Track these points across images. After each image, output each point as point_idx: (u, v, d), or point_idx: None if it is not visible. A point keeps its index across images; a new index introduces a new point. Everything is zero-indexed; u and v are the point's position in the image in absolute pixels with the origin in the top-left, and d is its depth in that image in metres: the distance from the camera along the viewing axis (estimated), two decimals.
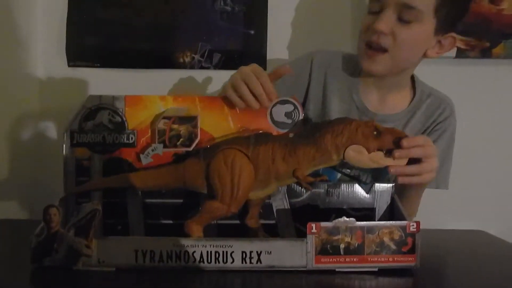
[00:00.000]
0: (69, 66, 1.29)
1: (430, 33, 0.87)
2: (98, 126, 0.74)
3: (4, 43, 1.16)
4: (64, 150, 0.75)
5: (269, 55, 1.29)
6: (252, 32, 1.27)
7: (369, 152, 0.69)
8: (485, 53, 1.28)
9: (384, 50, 0.87)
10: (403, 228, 0.68)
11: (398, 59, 0.89)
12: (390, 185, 0.81)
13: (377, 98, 0.98)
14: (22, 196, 1.21)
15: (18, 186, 1.21)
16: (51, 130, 1.31)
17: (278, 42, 1.29)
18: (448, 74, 1.30)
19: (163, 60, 1.29)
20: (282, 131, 0.76)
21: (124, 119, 0.74)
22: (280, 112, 0.76)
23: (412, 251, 0.68)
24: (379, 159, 0.69)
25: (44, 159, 1.29)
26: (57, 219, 0.67)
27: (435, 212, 1.19)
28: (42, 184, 1.27)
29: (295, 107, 0.76)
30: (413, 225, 0.68)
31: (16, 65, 1.23)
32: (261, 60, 1.28)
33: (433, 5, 0.84)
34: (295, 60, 1.06)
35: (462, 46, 1.28)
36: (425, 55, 0.92)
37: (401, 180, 0.73)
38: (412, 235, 0.68)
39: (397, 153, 0.69)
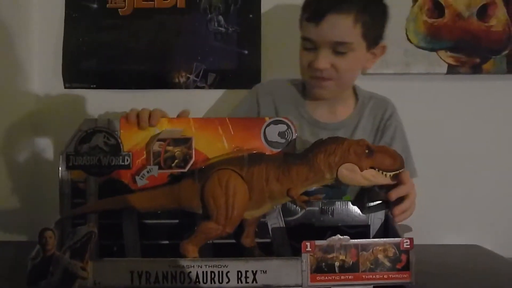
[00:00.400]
0: (65, 88, 1.31)
1: (364, 53, 0.96)
2: (94, 148, 0.75)
3: (1, 65, 1.17)
4: (60, 172, 0.75)
5: (263, 74, 1.31)
6: (246, 52, 1.29)
7: (361, 170, 0.70)
8: (476, 69, 1.30)
9: (328, 79, 0.96)
10: (397, 245, 0.69)
11: (342, 83, 0.99)
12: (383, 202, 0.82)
13: (326, 110, 1.06)
14: (18, 218, 1.21)
15: (14, 207, 1.21)
16: (47, 151, 1.31)
17: (272, 61, 1.31)
18: (439, 90, 1.32)
19: (158, 80, 1.31)
20: (275, 151, 0.77)
21: (119, 141, 0.75)
22: (273, 132, 0.77)
23: (406, 268, 0.69)
24: (371, 177, 0.70)
25: (40, 180, 1.29)
26: (52, 241, 0.67)
27: (429, 227, 1.20)
28: (39, 205, 1.27)
29: (288, 127, 0.77)
30: (406, 241, 0.69)
31: (12, 86, 1.24)
32: (256, 79, 1.30)
33: (360, 34, 0.92)
34: (243, 99, 1.14)
35: (453, 63, 1.31)
36: (363, 69, 1.04)
37: (398, 219, 0.78)
38: (406, 251, 0.69)
39: (393, 193, 0.74)
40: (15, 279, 0.71)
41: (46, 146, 1.31)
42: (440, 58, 1.30)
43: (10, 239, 1.12)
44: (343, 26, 0.90)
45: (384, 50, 1.01)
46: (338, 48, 0.92)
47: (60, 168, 0.75)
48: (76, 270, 0.67)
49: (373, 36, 0.95)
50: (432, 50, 1.30)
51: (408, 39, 1.30)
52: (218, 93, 1.32)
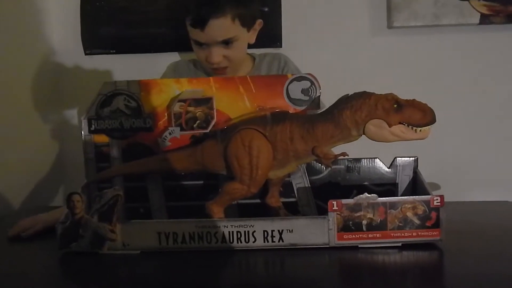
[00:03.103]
0: (85, 54, 1.30)
1: (247, 36, 1.07)
2: (115, 112, 0.75)
3: (20, 35, 1.18)
4: (83, 137, 0.76)
5: (284, 31, 1.27)
6: (266, 9, 1.25)
7: (390, 126, 0.67)
8: (511, 18, 1.22)
9: (224, 68, 1.06)
10: (427, 203, 0.67)
11: (235, 65, 1.08)
12: (412, 158, 0.79)
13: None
14: (46, 184, 1.24)
15: (41, 174, 1.23)
16: (71, 118, 1.33)
17: (293, 19, 1.27)
18: (472, 42, 1.25)
19: (178, 43, 1.29)
20: (299, 109, 0.75)
21: (140, 103, 0.74)
22: (296, 89, 0.75)
23: (436, 225, 0.67)
24: (400, 133, 0.67)
25: (65, 146, 1.31)
26: (80, 205, 0.69)
27: (459, 184, 1.17)
28: (65, 171, 1.30)
29: (312, 83, 0.74)
30: (437, 199, 0.67)
31: (33, 55, 1.25)
32: (277, 37, 1.26)
33: (239, 25, 1.02)
34: (164, 74, 1.20)
35: (486, 12, 1.23)
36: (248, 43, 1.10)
37: None
38: (436, 209, 0.67)
39: None
40: (47, 243, 0.73)
41: (69, 114, 1.33)
42: (472, 7, 1.22)
43: (41, 204, 1.15)
44: (224, 26, 1.00)
45: (260, 24, 1.10)
46: (226, 42, 1.02)
47: (83, 133, 0.75)
48: (105, 233, 0.69)
49: (250, 20, 1.06)
50: None
51: None
52: None
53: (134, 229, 0.69)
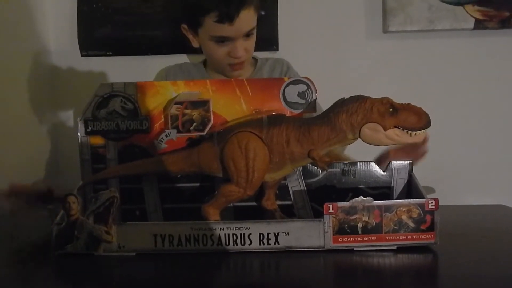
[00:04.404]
0: (82, 56, 1.30)
1: (255, 27, 1.11)
2: (111, 113, 0.75)
3: (17, 37, 1.17)
4: (79, 138, 0.75)
5: (281, 35, 1.27)
6: (263, 13, 1.26)
7: (385, 129, 0.67)
8: (505, 24, 1.24)
9: (243, 61, 1.10)
10: (421, 206, 0.68)
11: (248, 59, 1.13)
12: (407, 162, 0.80)
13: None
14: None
15: (36, 175, 1.23)
16: (67, 119, 1.33)
17: (289, 22, 1.27)
18: (466, 47, 1.26)
19: (174, 45, 1.29)
20: (295, 112, 0.75)
21: (137, 105, 0.75)
22: (293, 93, 0.75)
23: (431, 228, 0.68)
24: (395, 136, 0.68)
25: (60, 148, 1.31)
26: (76, 207, 0.68)
27: (454, 188, 1.18)
28: (60, 172, 1.29)
29: (308, 86, 0.75)
30: (431, 202, 0.67)
31: (30, 55, 1.24)
32: (273, 40, 1.26)
33: (256, 16, 1.08)
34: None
35: (480, 17, 1.24)
36: None
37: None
38: (431, 212, 0.67)
39: None
40: (42, 244, 0.72)
41: (65, 115, 1.32)
42: (467, 12, 1.24)
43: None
44: (250, 17, 1.05)
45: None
46: (248, 34, 1.06)
47: (79, 134, 0.75)
48: (101, 234, 0.69)
49: (259, 11, 1.12)
50: (458, 4, 1.24)
51: None
52: None
53: (129, 231, 0.69)
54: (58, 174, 1.30)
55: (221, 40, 1.05)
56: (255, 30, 1.08)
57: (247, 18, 1.03)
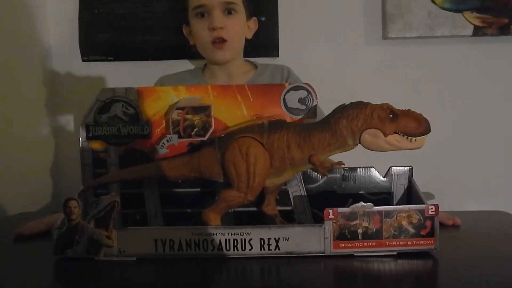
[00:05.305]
0: (83, 60, 1.30)
1: (244, 21, 1.13)
2: (113, 118, 0.75)
3: (18, 41, 1.18)
4: (80, 143, 0.76)
5: (281, 41, 1.28)
6: (263, 18, 1.26)
7: (385, 135, 0.68)
8: (504, 30, 1.24)
9: (225, 40, 1.09)
10: (422, 212, 0.68)
11: (235, 45, 1.12)
12: (407, 168, 0.80)
13: (226, 81, 1.15)
14: (43, 190, 1.24)
15: (38, 180, 1.23)
16: (68, 124, 1.33)
17: (290, 28, 1.28)
18: (465, 54, 1.27)
19: (175, 50, 1.29)
20: (296, 117, 0.75)
21: (138, 110, 0.75)
22: (293, 99, 0.75)
23: (431, 234, 0.68)
24: (395, 142, 0.68)
25: (61, 152, 1.31)
26: (77, 211, 0.69)
27: (453, 194, 1.18)
28: (61, 177, 1.29)
29: (309, 92, 0.75)
30: (431, 208, 0.68)
31: (31, 61, 1.25)
32: (273, 46, 1.27)
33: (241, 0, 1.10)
34: None
35: (479, 24, 1.25)
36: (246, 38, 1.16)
37: None
38: (431, 218, 0.68)
39: None
40: (42, 248, 0.72)
41: (66, 120, 1.33)
42: (466, 19, 1.24)
43: (35, 210, 1.14)
44: None
45: (255, 24, 1.17)
46: (227, 8, 1.08)
47: (80, 139, 0.76)
48: (101, 239, 0.69)
49: (249, 8, 1.13)
50: (457, 11, 1.24)
51: (432, 0, 1.24)
52: None
53: (130, 236, 0.69)
54: (59, 178, 1.30)
55: (201, 13, 1.08)
56: (240, 8, 1.09)
57: None
